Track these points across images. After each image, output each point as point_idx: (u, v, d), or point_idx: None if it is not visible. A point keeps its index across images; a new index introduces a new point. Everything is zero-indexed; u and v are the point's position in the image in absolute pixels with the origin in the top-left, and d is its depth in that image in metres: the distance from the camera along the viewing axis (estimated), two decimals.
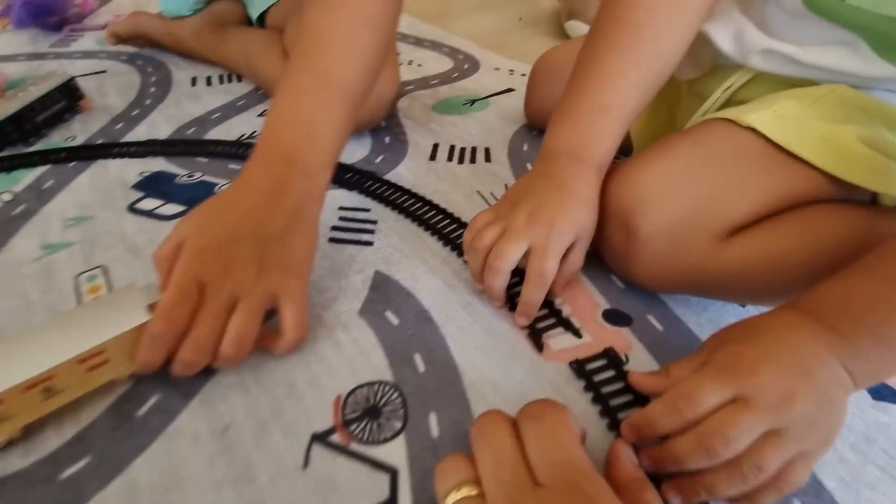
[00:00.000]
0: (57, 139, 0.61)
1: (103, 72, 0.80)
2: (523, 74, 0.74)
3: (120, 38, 0.85)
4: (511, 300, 0.38)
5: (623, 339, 0.37)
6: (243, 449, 0.30)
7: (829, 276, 0.28)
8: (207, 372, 0.34)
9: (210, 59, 0.77)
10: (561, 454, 0.23)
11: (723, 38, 0.40)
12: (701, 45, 0.41)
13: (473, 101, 0.70)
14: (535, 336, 0.36)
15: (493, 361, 0.35)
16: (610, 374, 0.34)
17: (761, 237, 0.34)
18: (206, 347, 0.30)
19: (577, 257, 0.37)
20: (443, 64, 0.82)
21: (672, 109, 0.50)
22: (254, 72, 0.68)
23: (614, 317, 0.38)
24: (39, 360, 0.28)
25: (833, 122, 0.35)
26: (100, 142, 0.61)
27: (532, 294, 0.35)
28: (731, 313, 0.39)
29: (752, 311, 0.39)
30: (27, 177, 0.55)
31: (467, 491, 0.23)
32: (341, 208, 0.49)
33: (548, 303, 0.38)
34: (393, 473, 0.29)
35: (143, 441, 0.30)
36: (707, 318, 0.39)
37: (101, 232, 0.46)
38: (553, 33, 1.02)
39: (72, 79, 0.65)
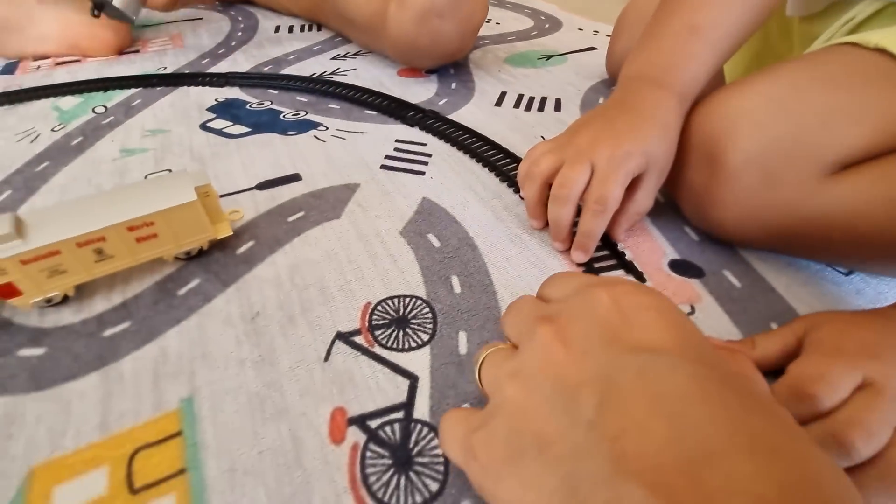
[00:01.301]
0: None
1: (199, 18, 0.85)
2: (608, 35, 0.69)
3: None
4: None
5: (691, 290, 0.32)
6: (269, 335, 0.30)
7: None
8: (247, 265, 0.34)
9: (292, 8, 0.79)
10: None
11: None
12: None
13: (550, 57, 0.66)
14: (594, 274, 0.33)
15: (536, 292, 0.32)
16: None
17: (879, 174, 0.28)
18: None
19: (646, 193, 0.33)
20: (522, 23, 0.79)
21: (780, 56, 0.43)
22: (335, 7, 0.68)
23: (684, 267, 0.34)
24: (93, 221, 0.30)
25: None
26: (187, 72, 0.64)
27: (590, 223, 0.32)
28: (831, 280, 0.33)
29: (857, 280, 0.33)
30: (119, 96, 0.59)
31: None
32: (398, 140, 0.48)
33: (608, 243, 0.34)
34: (413, 380, 0.27)
35: (178, 315, 0.31)
36: (800, 281, 0.33)
37: (173, 143, 0.49)
38: None
39: None
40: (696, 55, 0.33)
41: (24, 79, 0.65)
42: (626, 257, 0.34)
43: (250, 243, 0.36)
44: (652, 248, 0.35)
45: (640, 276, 0.32)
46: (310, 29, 0.78)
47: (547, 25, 0.78)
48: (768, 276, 0.33)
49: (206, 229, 0.34)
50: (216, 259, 0.35)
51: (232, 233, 0.35)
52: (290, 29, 0.79)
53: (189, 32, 0.79)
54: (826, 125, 0.28)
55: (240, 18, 0.84)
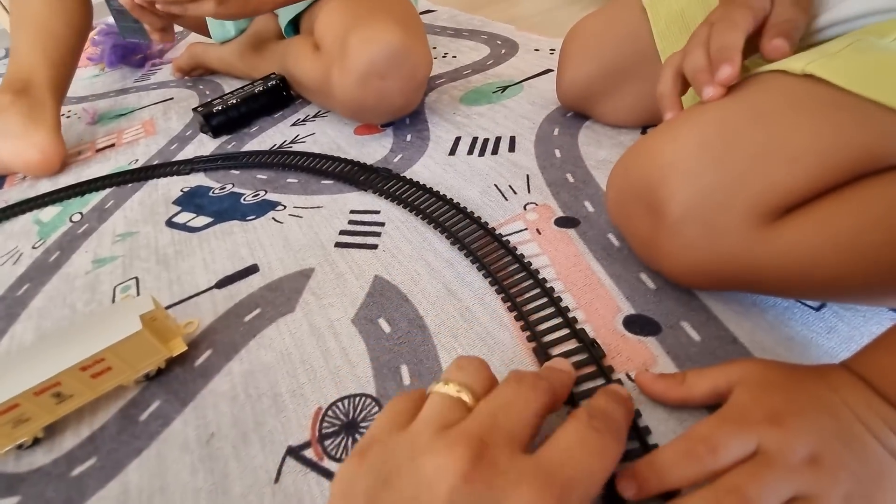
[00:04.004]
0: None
1: (170, 99, 0.88)
2: None
3: (183, 71, 0.93)
4: None
5: (646, 352, 0.31)
6: (224, 458, 0.30)
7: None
8: (204, 378, 0.34)
9: (254, 76, 0.81)
10: (588, 463, 0.20)
11: None
12: None
13: (505, 88, 0.66)
14: (541, 349, 0.32)
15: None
16: None
17: (820, 217, 0.26)
18: None
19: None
20: (478, 52, 0.78)
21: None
22: (289, 74, 0.69)
23: (639, 324, 0.33)
24: (47, 367, 0.31)
25: None
26: (155, 163, 0.66)
27: (723, 35, 0.31)
28: (800, 320, 0.31)
29: (829, 316, 0.31)
30: (95, 198, 0.61)
31: (462, 392, 0.22)
32: (352, 211, 0.48)
33: (559, 310, 0.33)
34: None
35: (140, 445, 0.32)
36: (765, 325, 0.31)
37: (141, 245, 0.50)
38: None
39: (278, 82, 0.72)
40: None
41: (11, 192, 0.69)
42: (577, 324, 0.33)
43: (208, 353, 0.37)
44: (606, 306, 0.34)
45: (591, 343, 0.31)
46: None
47: (503, 51, 0.77)
48: (730, 322, 0.31)
49: (158, 351, 0.34)
50: (175, 375, 0.36)
51: (186, 348, 0.36)
52: None
53: (160, 116, 0.81)
54: (759, 168, 0.27)
55: (207, 92, 0.86)
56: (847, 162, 0.26)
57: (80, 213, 0.59)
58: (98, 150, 0.74)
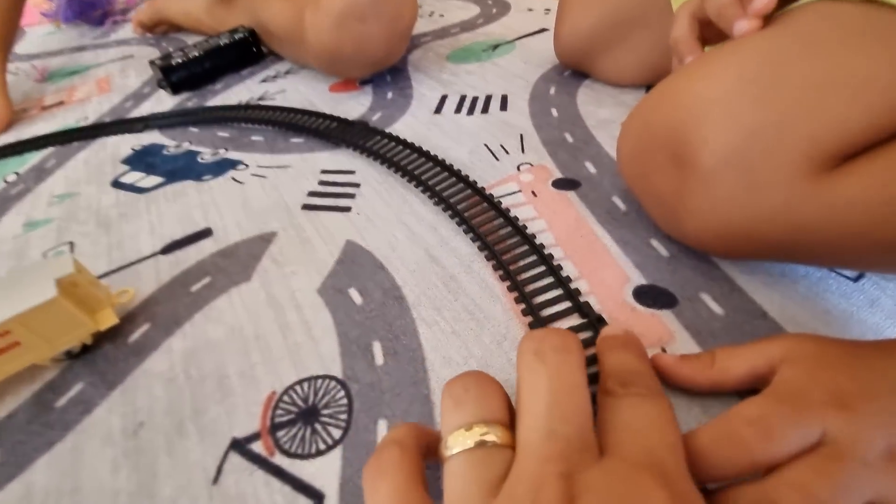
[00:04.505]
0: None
1: (130, 56, 0.80)
2: None
3: (145, 27, 0.85)
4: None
5: (662, 327, 0.26)
6: (153, 453, 0.24)
7: None
8: (138, 357, 0.29)
9: (222, 31, 0.74)
10: (665, 436, 0.16)
11: None
12: None
13: (497, 46, 0.60)
14: (539, 324, 0.27)
15: (474, 354, 0.26)
16: None
17: (886, 165, 0.21)
18: None
19: None
20: (467, 11, 0.72)
21: None
22: (261, 26, 0.62)
23: (652, 296, 0.28)
24: None
25: None
26: (107, 120, 0.59)
27: None
28: (836, 291, 0.27)
29: (870, 287, 0.27)
30: (34, 158, 0.54)
31: (485, 433, 0.16)
32: (324, 171, 0.43)
33: (560, 281, 0.29)
34: (317, 499, 0.22)
35: (53, 437, 0.26)
36: (797, 298, 0.27)
37: (80, 207, 0.44)
38: None
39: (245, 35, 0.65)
40: None
41: None
42: (580, 296, 0.28)
43: (145, 327, 0.31)
44: (613, 275, 0.29)
45: (598, 319, 0.26)
46: None
47: (494, 10, 0.71)
48: (757, 294, 0.27)
49: (81, 324, 0.28)
50: (104, 353, 0.30)
51: (117, 321, 0.30)
52: None
53: (117, 74, 0.74)
54: (814, 105, 0.22)
55: (170, 49, 0.79)
56: None
57: (16, 174, 0.52)
58: (44, 108, 0.67)
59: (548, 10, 0.68)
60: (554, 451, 0.15)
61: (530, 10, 0.69)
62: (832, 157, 0.22)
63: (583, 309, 0.27)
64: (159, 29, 0.86)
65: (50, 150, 0.55)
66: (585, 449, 0.15)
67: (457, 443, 0.16)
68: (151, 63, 0.62)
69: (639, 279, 0.29)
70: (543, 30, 0.62)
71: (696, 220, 0.26)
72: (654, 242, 0.31)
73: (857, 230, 0.22)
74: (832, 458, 0.16)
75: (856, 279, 0.27)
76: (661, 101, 0.27)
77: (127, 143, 0.53)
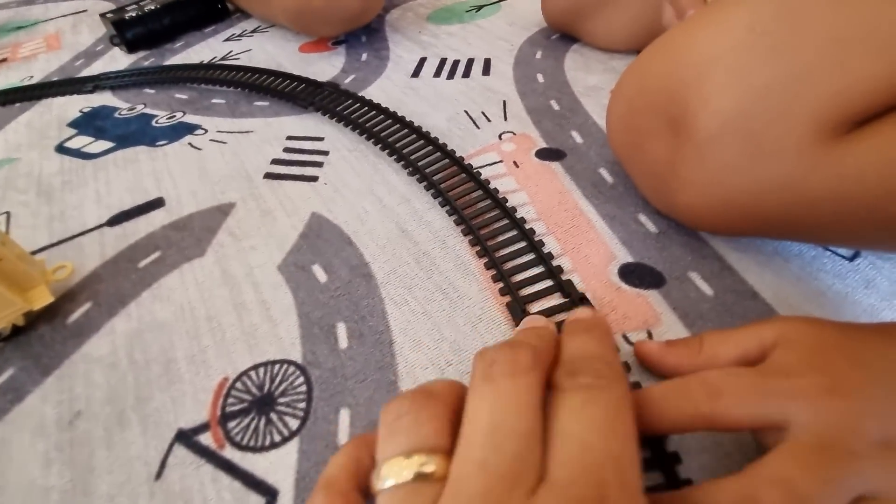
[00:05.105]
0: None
1: (84, 11, 0.74)
2: None
3: None
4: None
5: (648, 308, 0.24)
6: (90, 445, 0.22)
7: None
8: (77, 340, 0.26)
9: None
10: (608, 447, 0.13)
11: None
12: None
13: (480, 7, 0.56)
14: (517, 305, 0.25)
15: (446, 336, 0.24)
16: None
17: None
18: None
19: None
20: None
21: None
22: None
23: (638, 274, 0.26)
24: None
25: None
26: (54, 79, 0.54)
27: None
28: (831, 271, 0.25)
29: (865, 267, 0.25)
30: None
31: (423, 464, 0.14)
32: (289, 137, 0.39)
33: (541, 258, 0.26)
34: (270, 496, 0.20)
35: None
36: (791, 278, 0.25)
37: (20, 174, 0.40)
38: None
39: None
40: None
41: None
42: (563, 274, 0.26)
43: (86, 306, 0.28)
44: (598, 252, 0.27)
45: (581, 299, 0.24)
46: None
47: None
48: (748, 274, 0.25)
49: (10, 304, 0.25)
50: (40, 335, 0.27)
51: (52, 299, 0.27)
52: None
53: (68, 30, 0.67)
54: (832, 62, 0.19)
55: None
56: None
57: None
58: None
59: None
60: (481, 486, 0.12)
61: None
62: (846, 120, 0.20)
63: (565, 288, 0.25)
64: None
65: None
66: (517, 483, 0.13)
67: (391, 473, 0.14)
68: (103, 17, 0.56)
69: (625, 257, 0.27)
70: None
71: (690, 192, 0.24)
72: (643, 217, 0.29)
73: (867, 202, 0.20)
74: (819, 449, 0.14)
75: (851, 258, 0.26)
76: (657, 58, 0.24)
77: (75, 105, 0.49)
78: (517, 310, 0.24)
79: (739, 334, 0.20)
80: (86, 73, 0.55)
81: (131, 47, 0.57)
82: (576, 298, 0.24)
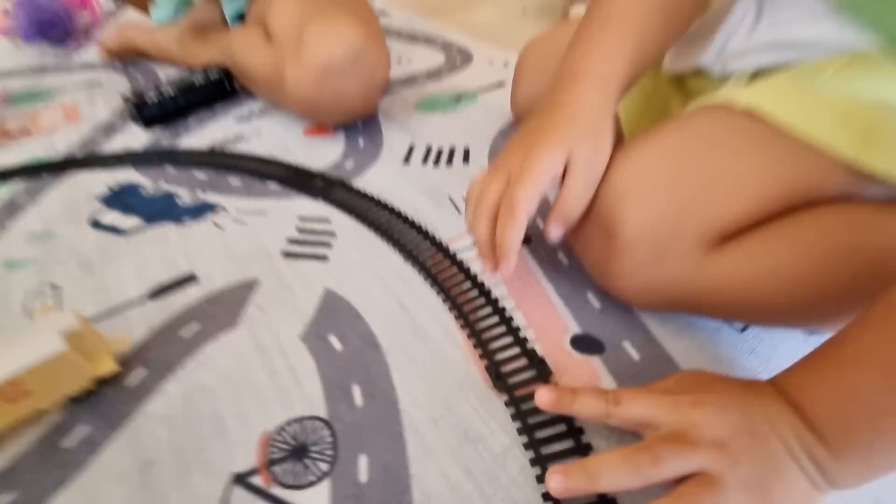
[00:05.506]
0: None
1: (98, 83, 0.80)
2: None
3: (111, 53, 0.86)
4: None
5: (591, 371, 0.32)
6: (163, 488, 0.28)
7: (824, 346, 0.24)
8: (137, 401, 0.32)
9: (194, 64, 0.76)
10: None
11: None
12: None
13: (460, 98, 0.66)
14: (493, 366, 0.32)
15: (438, 395, 0.31)
16: (558, 429, 0.29)
17: (759, 245, 0.29)
18: None
19: (572, 190, 0.31)
20: (434, 59, 0.78)
21: (666, 107, 0.44)
22: (235, 65, 0.65)
23: (585, 343, 0.34)
24: None
25: (849, 96, 0.28)
26: (77, 154, 0.60)
27: (501, 232, 0.30)
28: (726, 341, 0.34)
29: (751, 338, 0.34)
30: (2, 191, 0.55)
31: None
32: (301, 218, 0.47)
33: (513, 330, 0.34)
34: None
35: (65, 475, 0.29)
36: (697, 345, 0.34)
37: (60, 248, 0.46)
38: (558, 23, 0.96)
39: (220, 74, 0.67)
40: (608, 41, 0.32)
41: None
42: (528, 343, 0.34)
43: (141, 371, 0.34)
44: (555, 325, 0.35)
45: (541, 362, 0.32)
46: None
47: (458, 60, 0.77)
48: (667, 342, 0.34)
49: (84, 373, 0.31)
50: (104, 397, 0.33)
51: (118, 368, 0.33)
52: None
53: (85, 102, 0.74)
54: (706, 197, 0.29)
55: (140, 79, 0.80)
56: (785, 193, 0.29)
57: None
58: (5, 134, 0.66)
59: (506, 63, 0.75)
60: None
61: (490, 62, 0.76)
62: (717, 236, 0.29)
63: (529, 355, 0.33)
64: (128, 55, 0.86)
65: (18, 183, 0.56)
66: None
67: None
68: (126, 100, 0.63)
69: (575, 328, 0.35)
70: (501, 83, 0.69)
71: (619, 280, 0.33)
72: (590, 295, 0.37)
73: (737, 293, 0.29)
74: (673, 435, 0.23)
75: (742, 330, 0.35)
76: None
77: (100, 180, 0.55)
78: (493, 370, 0.32)
79: (650, 403, 0.27)
80: (106, 147, 0.61)
81: (148, 124, 0.64)
82: (537, 362, 0.32)
